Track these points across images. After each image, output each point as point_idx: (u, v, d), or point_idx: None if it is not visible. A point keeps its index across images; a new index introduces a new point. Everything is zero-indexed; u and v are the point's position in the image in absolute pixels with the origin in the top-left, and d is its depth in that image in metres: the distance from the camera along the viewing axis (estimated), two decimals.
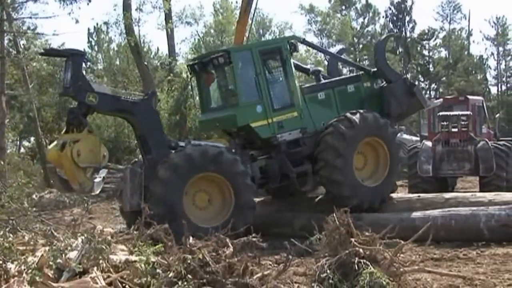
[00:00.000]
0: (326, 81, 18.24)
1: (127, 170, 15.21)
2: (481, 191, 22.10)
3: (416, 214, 14.85)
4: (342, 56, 21.90)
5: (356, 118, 16.32)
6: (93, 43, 65.00)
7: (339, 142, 16.07)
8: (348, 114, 16.44)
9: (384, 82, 18.11)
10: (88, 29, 63.26)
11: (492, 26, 78.41)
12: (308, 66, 21.35)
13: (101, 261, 8.15)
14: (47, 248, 8.46)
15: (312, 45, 20.28)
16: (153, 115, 15.66)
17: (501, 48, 78.84)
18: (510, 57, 79.93)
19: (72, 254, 8.18)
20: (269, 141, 16.30)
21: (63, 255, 8.10)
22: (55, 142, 14.54)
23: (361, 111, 16.61)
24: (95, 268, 7.91)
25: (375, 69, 18.29)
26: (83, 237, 8.69)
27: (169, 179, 14.42)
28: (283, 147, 16.38)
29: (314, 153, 16.47)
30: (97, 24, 59.78)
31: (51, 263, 7.94)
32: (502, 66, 79.79)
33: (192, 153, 14.76)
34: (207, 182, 15.18)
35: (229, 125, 16.66)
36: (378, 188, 16.74)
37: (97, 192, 14.77)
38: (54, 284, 7.44)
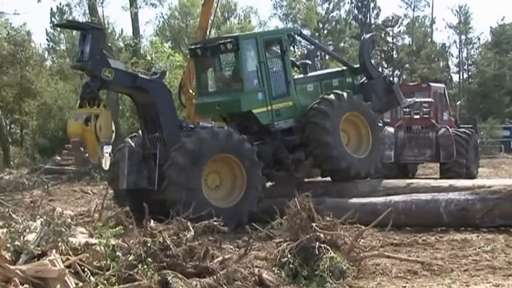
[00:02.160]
0: (314, 73, 18.99)
1: (125, 148, 15.22)
2: (441, 177, 22.40)
3: (377, 199, 14.94)
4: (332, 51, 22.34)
5: (333, 97, 17.06)
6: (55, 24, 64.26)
7: (324, 121, 16.70)
8: (324, 96, 17.20)
9: (365, 79, 18.91)
10: (51, 8, 62.56)
11: (455, 15, 79.51)
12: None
13: (60, 244, 8.05)
14: (5, 230, 8.33)
15: (307, 38, 20.66)
16: (167, 94, 15.66)
17: (463, 37, 79.85)
18: (471, 45, 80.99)
19: (31, 236, 8.07)
20: (267, 128, 16.73)
21: (21, 237, 7.98)
22: (73, 116, 14.32)
23: (336, 91, 17.35)
24: (53, 251, 7.81)
25: (357, 66, 19.03)
26: (42, 219, 8.59)
27: (187, 165, 14.39)
28: (279, 135, 16.88)
29: (302, 137, 17.04)
30: (60, 4, 59.04)
31: (8, 245, 7.81)
32: (464, 54, 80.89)
33: (205, 136, 14.86)
34: (218, 164, 15.33)
35: (232, 109, 16.83)
36: (369, 157, 17.59)
37: (107, 168, 14.59)
38: (12, 267, 7.33)
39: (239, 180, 15.37)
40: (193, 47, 17.78)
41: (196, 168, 14.54)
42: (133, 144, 15.60)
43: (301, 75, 18.53)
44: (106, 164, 14.27)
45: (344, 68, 19.29)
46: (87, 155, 14.00)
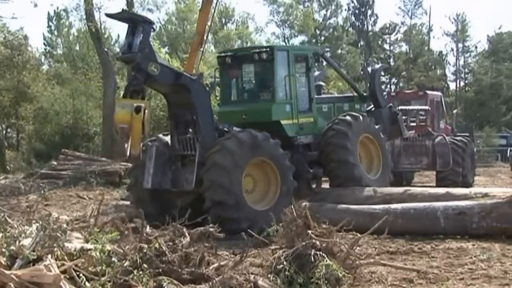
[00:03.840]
0: (329, 96, 20.27)
1: (153, 148, 15.32)
2: (437, 185, 22.40)
3: (375, 206, 14.92)
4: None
5: (349, 118, 17.62)
6: (52, 28, 64.25)
7: (345, 141, 17.18)
8: (340, 117, 17.70)
9: (372, 106, 19.78)
10: (48, 13, 62.50)
11: (452, 23, 79.58)
12: None
13: (55, 249, 8.02)
14: (0, 234, 8.31)
15: (328, 59, 21.05)
16: (207, 95, 15.77)
17: (460, 45, 79.93)
18: (469, 53, 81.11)
19: (26, 241, 8.05)
20: (290, 141, 16.90)
21: (17, 242, 7.97)
22: (119, 105, 14.14)
23: (352, 113, 17.99)
24: (49, 256, 7.79)
25: (366, 94, 20.01)
26: (37, 224, 8.56)
27: (229, 166, 14.59)
28: (300, 149, 17.16)
29: (321, 156, 17.42)
30: (57, 8, 59.01)
31: (4, 250, 7.80)
32: (461, 63, 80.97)
33: (260, 135, 15.12)
34: (257, 170, 15.52)
35: (261, 118, 16.82)
36: (380, 179, 18.12)
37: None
38: (7, 272, 7.31)
39: (270, 196, 15.54)
40: (223, 54, 17.98)
41: (247, 155, 14.89)
42: (159, 144, 15.68)
43: (316, 96, 18.93)
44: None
45: (355, 94, 19.91)
46: (127, 146, 13.87)
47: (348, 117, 17.62)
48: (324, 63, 24.89)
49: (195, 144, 15.28)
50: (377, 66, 23.50)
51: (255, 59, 16.83)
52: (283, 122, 16.76)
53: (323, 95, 19.70)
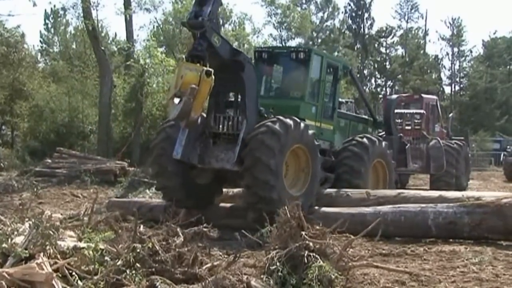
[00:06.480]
0: (347, 112, 20.76)
1: None
2: (431, 188, 22.46)
3: (367, 209, 14.92)
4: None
5: (367, 142, 17.85)
6: (49, 26, 64.20)
7: (360, 166, 17.50)
8: (358, 138, 17.91)
9: (383, 133, 20.54)
10: (45, 10, 62.44)
11: (448, 27, 79.91)
12: None
13: (48, 247, 8.02)
14: None
15: (354, 77, 21.33)
16: (255, 77, 16.02)
17: (456, 49, 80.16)
18: (464, 58, 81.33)
19: (19, 239, 8.05)
20: None
21: (9, 239, 7.97)
22: (186, 67, 14.06)
23: (369, 136, 18.33)
24: (41, 254, 7.78)
25: (381, 120, 21.17)
26: (30, 222, 8.56)
27: (275, 147, 14.83)
28: None
29: (334, 172, 17.65)
30: (54, 6, 58.90)
31: None
32: (456, 67, 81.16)
33: (291, 124, 15.26)
34: (290, 153, 15.70)
35: (288, 113, 16.76)
36: None
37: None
38: None
39: (300, 183, 15.89)
40: (260, 49, 18.54)
41: (291, 140, 15.21)
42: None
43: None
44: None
45: (369, 118, 20.56)
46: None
47: (365, 140, 17.77)
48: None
49: (233, 124, 15.66)
50: (394, 96, 23.89)
51: (292, 57, 17.27)
52: (307, 122, 16.93)
53: (342, 111, 20.25)
